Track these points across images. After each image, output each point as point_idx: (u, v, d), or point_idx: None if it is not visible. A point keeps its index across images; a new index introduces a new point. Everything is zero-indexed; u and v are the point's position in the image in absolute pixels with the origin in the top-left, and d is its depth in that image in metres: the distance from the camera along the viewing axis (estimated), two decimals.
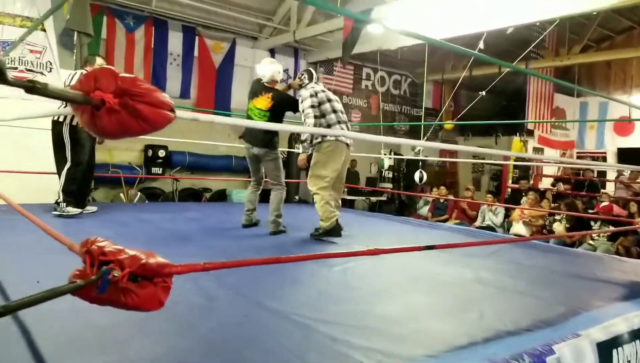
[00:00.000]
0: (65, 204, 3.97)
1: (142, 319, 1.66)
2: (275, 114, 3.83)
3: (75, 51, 5.88)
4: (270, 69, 3.90)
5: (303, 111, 3.75)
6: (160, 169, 8.16)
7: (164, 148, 8.13)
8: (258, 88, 3.88)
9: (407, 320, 1.92)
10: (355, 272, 2.66)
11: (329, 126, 3.76)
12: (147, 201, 7.59)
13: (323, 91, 3.84)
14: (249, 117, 3.83)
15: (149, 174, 7.99)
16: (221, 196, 8.62)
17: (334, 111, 3.80)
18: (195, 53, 8.62)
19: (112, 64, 7.86)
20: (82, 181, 4.14)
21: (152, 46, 8.19)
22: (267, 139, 3.81)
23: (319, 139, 3.75)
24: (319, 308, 2.01)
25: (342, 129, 3.83)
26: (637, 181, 8.96)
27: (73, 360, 1.41)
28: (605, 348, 1.93)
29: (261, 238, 3.73)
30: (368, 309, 2.04)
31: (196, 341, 1.64)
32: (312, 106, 3.72)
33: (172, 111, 1.18)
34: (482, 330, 1.84)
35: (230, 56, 8.98)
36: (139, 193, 7.81)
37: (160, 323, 1.71)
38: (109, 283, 1.10)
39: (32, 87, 0.93)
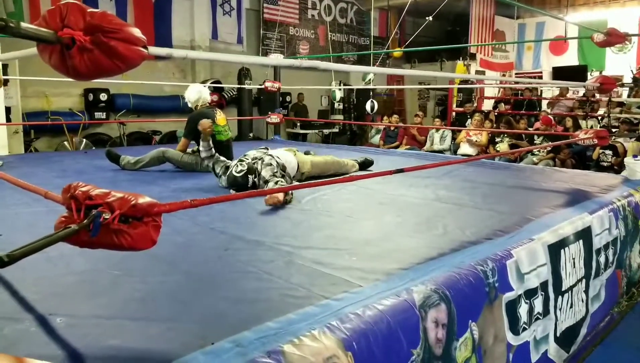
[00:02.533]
0: None
1: (122, 262, 1.69)
2: None
3: None
4: (198, 90, 4.19)
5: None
6: (104, 113, 7.82)
7: (106, 91, 7.75)
8: (210, 111, 4.04)
9: (381, 240, 2.05)
10: (325, 201, 2.77)
11: None
12: (94, 148, 7.31)
13: None
14: (220, 137, 3.98)
15: (93, 120, 7.65)
16: (172, 138, 8.41)
17: None
18: None
19: (37, 1, 7.21)
20: None
21: None
22: None
23: None
24: (298, 236, 2.11)
25: None
26: (566, 97, 9.46)
27: (64, 305, 1.42)
28: (554, 249, 2.16)
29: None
30: (344, 234, 2.16)
31: (182, 276, 1.69)
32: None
33: (146, 47, 1.15)
34: (448, 243, 2.00)
35: None
36: (84, 140, 7.50)
37: (141, 263, 1.73)
38: (101, 226, 1.11)
39: (5, 27, 0.88)
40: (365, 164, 4.02)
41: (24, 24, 0.93)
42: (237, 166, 3.02)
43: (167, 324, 1.31)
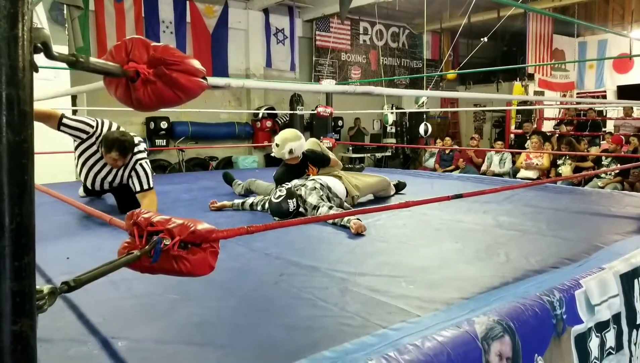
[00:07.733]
0: None
1: (181, 287, 1.72)
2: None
3: (66, 25, 5.78)
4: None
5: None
6: (164, 140, 8.16)
7: (166, 119, 8.10)
8: (302, 166, 3.62)
9: (439, 268, 1.98)
10: (379, 227, 2.73)
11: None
12: (154, 174, 7.60)
13: None
14: None
15: (153, 147, 8.00)
16: (227, 163, 8.66)
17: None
18: (188, 19, 8.46)
19: (104, 37, 7.72)
20: None
21: (143, 15, 8.02)
22: None
23: None
24: (353, 263, 2.08)
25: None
26: (632, 117, 8.94)
27: (125, 329, 1.45)
28: (627, 279, 2.01)
29: None
30: (400, 260, 2.11)
31: (238, 302, 1.70)
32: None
33: (205, 78, 1.18)
34: (511, 271, 1.90)
35: (223, 19, 8.81)
36: None
37: (199, 289, 1.75)
38: (161, 252, 1.13)
39: (76, 61, 0.93)
40: (398, 187, 3.96)
41: (92, 59, 0.98)
42: (276, 192, 2.99)
43: (223, 350, 1.31)
